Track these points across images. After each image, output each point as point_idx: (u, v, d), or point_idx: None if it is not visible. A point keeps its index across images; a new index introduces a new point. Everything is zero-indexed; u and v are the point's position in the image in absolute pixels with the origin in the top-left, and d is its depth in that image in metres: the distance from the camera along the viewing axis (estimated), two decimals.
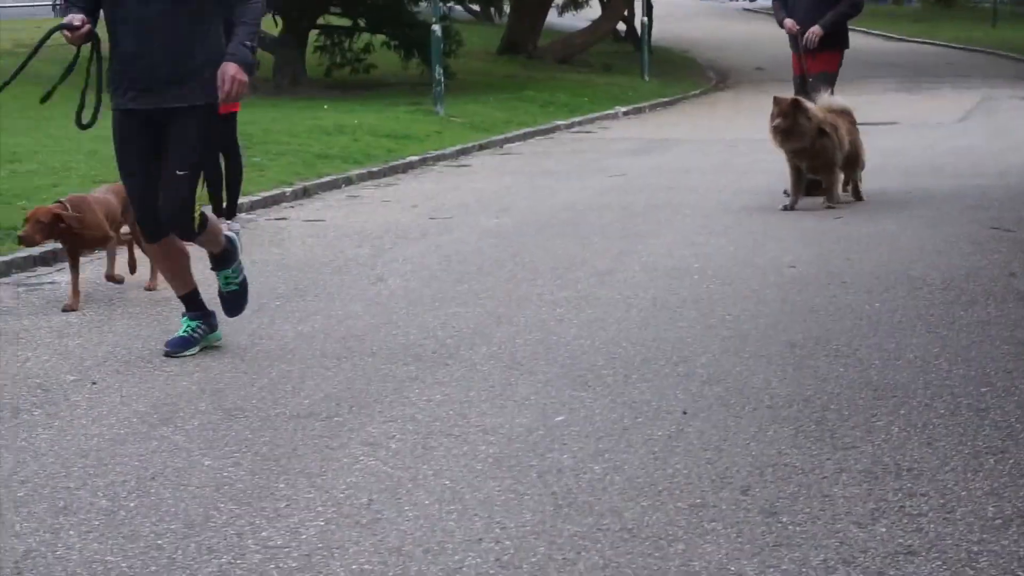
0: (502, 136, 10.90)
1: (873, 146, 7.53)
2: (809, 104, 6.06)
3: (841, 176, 6.36)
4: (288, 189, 7.50)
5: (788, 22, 6.48)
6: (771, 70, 18.22)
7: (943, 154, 9.16)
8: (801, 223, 6.31)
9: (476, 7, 20.09)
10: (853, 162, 6.57)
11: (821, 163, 6.13)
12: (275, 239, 6.04)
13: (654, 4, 19.85)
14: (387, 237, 6.11)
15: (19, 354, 3.58)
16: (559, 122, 12.42)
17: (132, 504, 2.13)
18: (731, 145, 10.26)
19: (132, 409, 2.94)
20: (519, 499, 2.15)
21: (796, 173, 6.21)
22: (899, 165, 8.53)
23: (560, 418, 2.86)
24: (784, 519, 2.00)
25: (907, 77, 17.24)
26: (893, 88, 15.55)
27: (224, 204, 5.52)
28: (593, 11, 24.13)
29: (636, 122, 13.60)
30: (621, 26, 23.29)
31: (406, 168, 9.01)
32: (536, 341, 3.80)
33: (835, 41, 6.60)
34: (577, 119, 12.82)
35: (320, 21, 14.47)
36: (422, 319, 4.14)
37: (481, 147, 10.32)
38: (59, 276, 4.86)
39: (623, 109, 13.97)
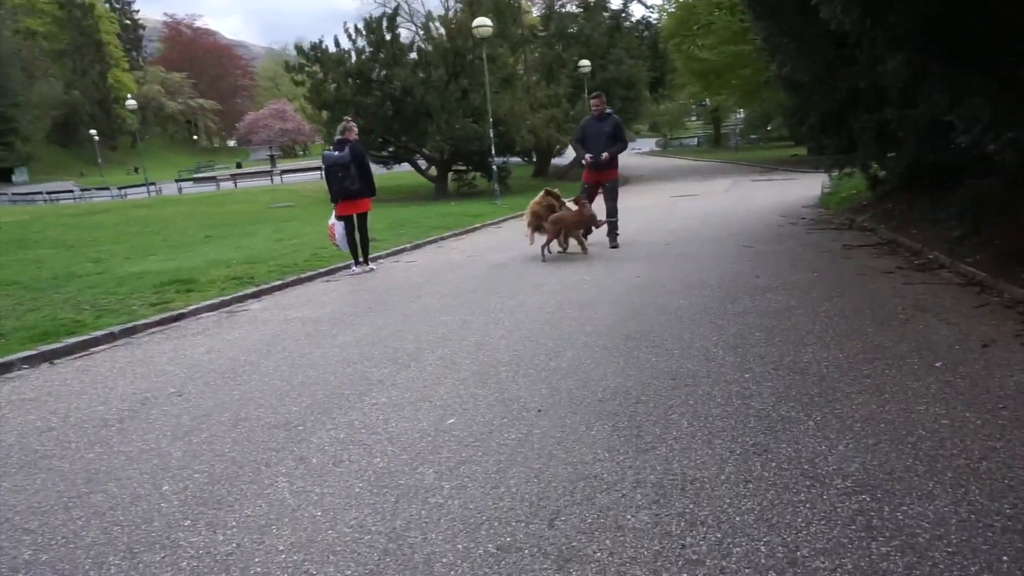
0: (522, 212, 16.01)
1: (685, 205, 15.91)
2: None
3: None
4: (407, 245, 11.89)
5: (588, 156, 9.26)
6: (647, 174, 30.93)
7: (718, 207, 14.80)
8: (644, 249, 9.15)
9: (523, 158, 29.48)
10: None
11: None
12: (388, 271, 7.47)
13: None
14: (440, 268, 9.17)
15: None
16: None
17: None
18: (624, 209, 13.82)
19: None
20: (356, 544, 2.57)
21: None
22: (698, 213, 13.66)
23: (451, 420, 3.68)
24: (574, 571, 2.32)
25: (699, 175, 28.12)
26: (693, 180, 25.53)
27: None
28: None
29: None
30: None
31: (473, 230, 14.10)
32: (474, 343, 5.21)
33: (615, 163, 9.50)
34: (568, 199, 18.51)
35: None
36: (420, 328, 5.85)
37: (513, 217, 15.77)
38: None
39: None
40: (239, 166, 59.93)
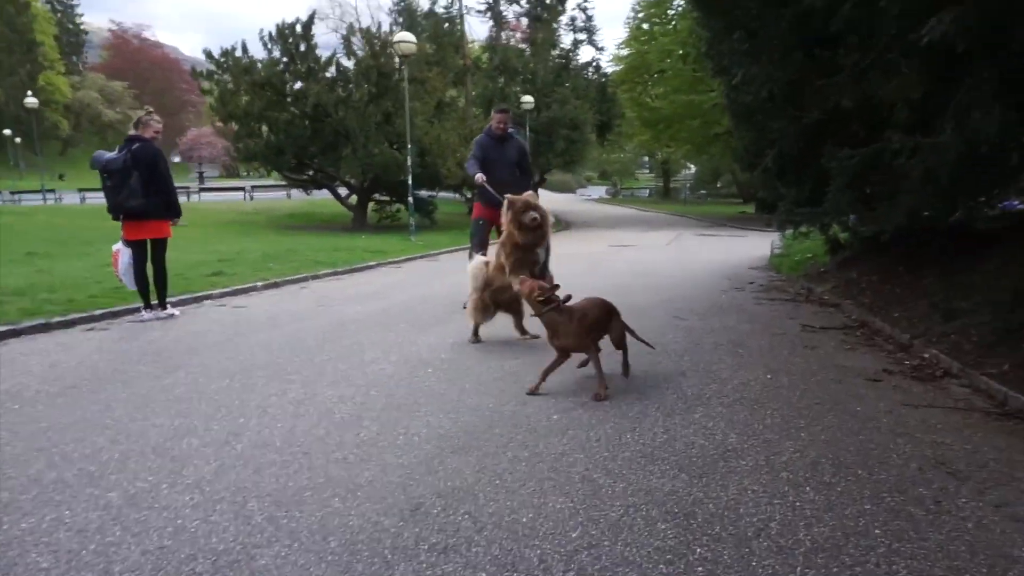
0: (438, 251, 15.11)
1: (621, 257, 14.16)
2: None
3: None
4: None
5: (479, 176, 6.58)
6: (591, 221, 29.79)
7: (656, 262, 13.20)
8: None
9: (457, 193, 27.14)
10: None
11: None
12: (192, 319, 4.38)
13: (552, 196, 25.56)
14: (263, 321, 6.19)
15: None
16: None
17: None
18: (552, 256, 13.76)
19: None
20: None
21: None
22: (632, 269, 11.72)
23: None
24: None
25: (644, 226, 27.25)
26: (637, 230, 24.71)
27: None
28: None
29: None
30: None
31: (363, 269, 11.69)
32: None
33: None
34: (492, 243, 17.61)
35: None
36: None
37: (423, 257, 14.10)
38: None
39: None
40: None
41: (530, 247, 5.47)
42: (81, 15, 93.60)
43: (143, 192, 6.29)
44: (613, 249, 16.50)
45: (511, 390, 4.12)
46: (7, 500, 2.66)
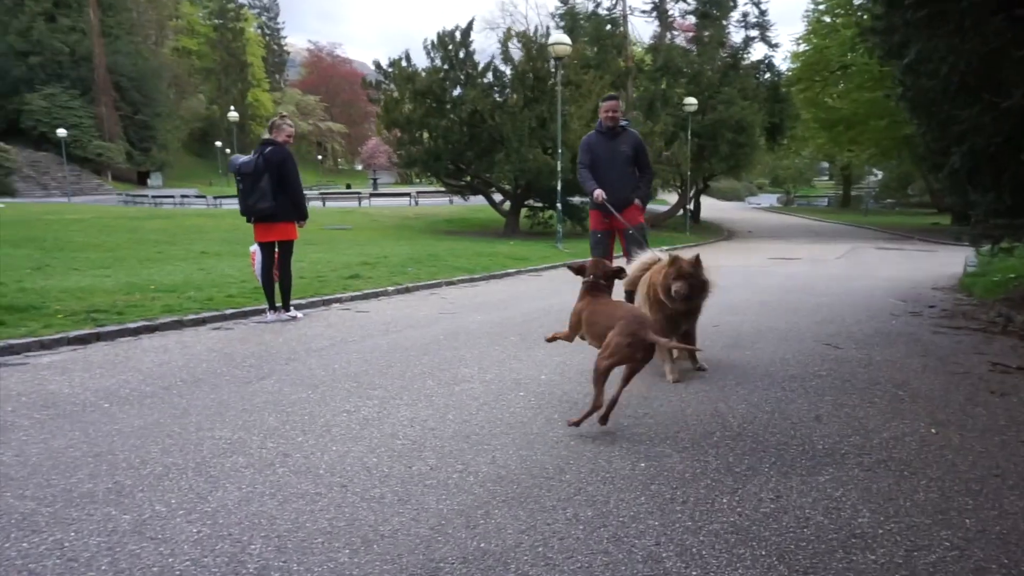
0: (584, 260, 15.33)
1: (779, 271, 12.70)
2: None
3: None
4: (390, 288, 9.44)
5: (598, 192, 6.04)
6: (756, 232, 29.33)
7: (819, 278, 11.74)
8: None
9: None
10: None
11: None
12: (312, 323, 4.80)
13: (716, 204, 25.90)
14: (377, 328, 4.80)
15: None
16: (617, 254, 16.40)
17: None
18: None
19: None
20: None
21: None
22: (788, 284, 10.60)
23: None
24: None
25: (814, 237, 26.31)
26: (806, 242, 23.99)
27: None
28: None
29: (667, 255, 18.42)
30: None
31: (502, 276, 11.62)
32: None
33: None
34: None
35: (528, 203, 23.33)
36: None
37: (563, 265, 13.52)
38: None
39: (665, 248, 19.46)
40: (348, 186, 60.47)
41: (676, 315, 4.67)
42: (285, 37, 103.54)
43: (273, 195, 6.42)
44: (772, 262, 15.13)
45: (602, 425, 3.57)
46: (28, 512, 2.56)
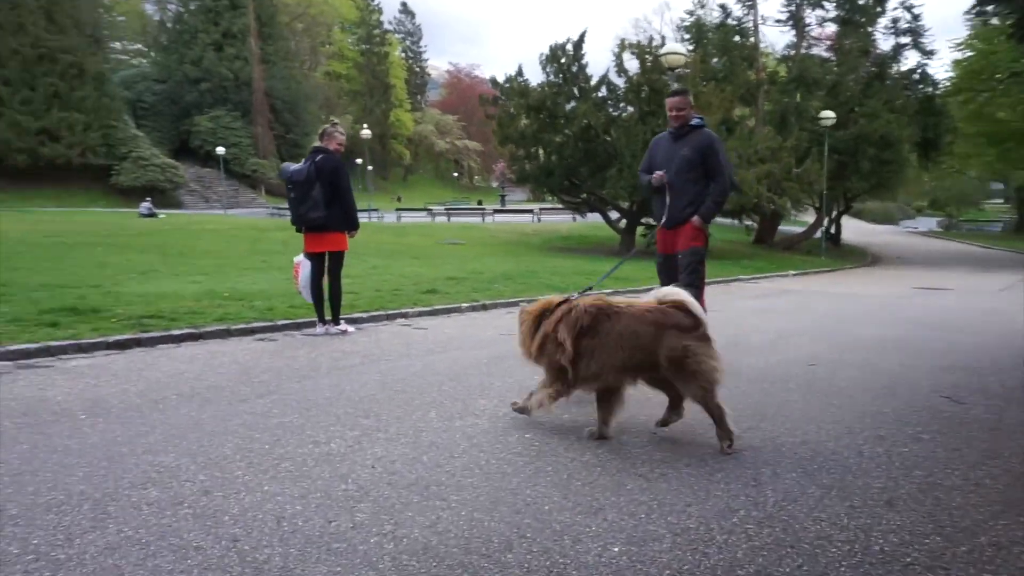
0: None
1: (918, 303, 11.17)
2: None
3: None
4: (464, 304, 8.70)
5: (658, 174, 5.25)
6: (907, 259, 26.52)
7: (966, 313, 9.97)
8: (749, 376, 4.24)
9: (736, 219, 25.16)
10: None
11: None
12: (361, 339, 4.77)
13: (865, 227, 25.12)
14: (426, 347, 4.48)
15: None
16: (742, 276, 15.87)
17: None
18: (834, 295, 12.38)
19: None
20: None
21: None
22: (926, 319, 8.95)
23: None
24: None
25: (975, 266, 23.50)
26: (962, 271, 21.05)
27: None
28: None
29: (797, 279, 16.70)
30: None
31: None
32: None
33: (701, 219, 5.27)
34: (758, 276, 16.43)
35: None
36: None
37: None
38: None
39: (793, 272, 18.07)
40: (479, 203, 61.69)
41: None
42: (426, 60, 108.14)
43: (325, 204, 6.20)
44: (914, 292, 13.35)
45: (588, 490, 2.88)
46: None
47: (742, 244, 26.34)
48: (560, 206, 28.59)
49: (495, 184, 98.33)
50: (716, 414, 3.39)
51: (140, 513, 2.54)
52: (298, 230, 6.50)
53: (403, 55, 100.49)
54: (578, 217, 30.38)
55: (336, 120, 6.81)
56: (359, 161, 70.27)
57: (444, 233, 26.39)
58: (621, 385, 3.59)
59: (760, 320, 8.52)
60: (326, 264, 6.47)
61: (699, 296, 5.25)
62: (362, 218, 29.95)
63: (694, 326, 3.40)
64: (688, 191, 5.21)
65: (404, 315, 7.81)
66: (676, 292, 3.52)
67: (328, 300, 6.52)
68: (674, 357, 3.35)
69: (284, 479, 2.91)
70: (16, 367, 4.72)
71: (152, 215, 32.71)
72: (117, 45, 79.42)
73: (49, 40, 48.78)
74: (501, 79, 21.18)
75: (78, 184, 49.98)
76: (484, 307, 8.81)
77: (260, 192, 63.44)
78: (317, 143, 6.51)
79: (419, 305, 8.30)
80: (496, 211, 39.26)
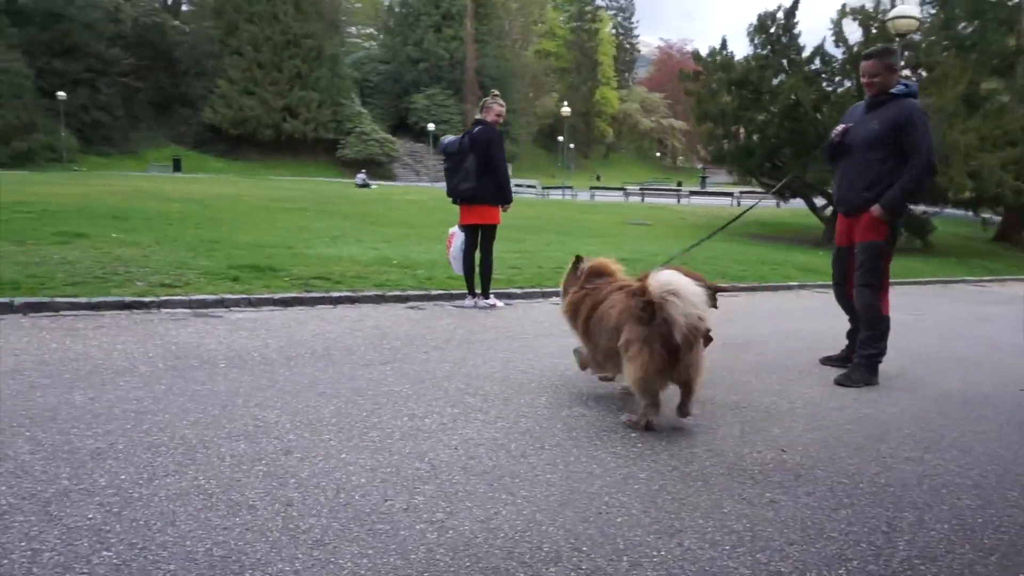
0: (908, 280, 12.37)
1: None
2: None
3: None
4: None
5: (837, 129, 4.59)
6: None
7: None
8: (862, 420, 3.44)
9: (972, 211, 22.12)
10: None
11: None
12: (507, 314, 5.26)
13: None
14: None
15: None
16: (967, 278, 13.85)
17: None
18: None
19: None
20: None
21: None
22: None
23: None
24: None
25: None
26: None
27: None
28: None
29: None
30: None
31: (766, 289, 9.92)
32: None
33: (892, 206, 4.41)
34: (986, 279, 14.23)
35: None
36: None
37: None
38: None
39: None
40: (679, 184, 59.75)
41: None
42: (637, 36, 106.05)
43: (476, 176, 6.20)
44: None
45: (675, 507, 2.53)
46: None
47: (976, 241, 22.78)
48: (761, 190, 26.68)
49: (699, 166, 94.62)
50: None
51: (221, 464, 2.64)
52: (454, 202, 6.57)
53: (613, 31, 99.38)
54: (781, 203, 28.18)
55: (496, 92, 6.75)
56: (560, 139, 71.15)
57: (634, 213, 25.81)
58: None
59: (970, 330, 7.24)
60: (479, 237, 6.49)
61: (877, 300, 4.51)
62: (554, 195, 30.27)
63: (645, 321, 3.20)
64: (869, 171, 4.45)
65: (559, 294, 7.64)
66: (669, 283, 3.09)
67: (479, 273, 6.55)
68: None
69: (364, 449, 2.89)
70: (192, 315, 5.25)
71: (366, 186, 35.60)
72: (352, 30, 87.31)
73: (295, 26, 54.65)
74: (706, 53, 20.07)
75: (310, 156, 55.88)
76: None
77: None
78: (477, 115, 6.50)
79: None
80: (692, 193, 37.70)
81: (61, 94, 42.49)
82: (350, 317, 5.65)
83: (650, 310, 3.16)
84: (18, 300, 4.89)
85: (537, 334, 5.47)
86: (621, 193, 38.02)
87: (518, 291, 7.35)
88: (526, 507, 2.45)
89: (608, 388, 4.02)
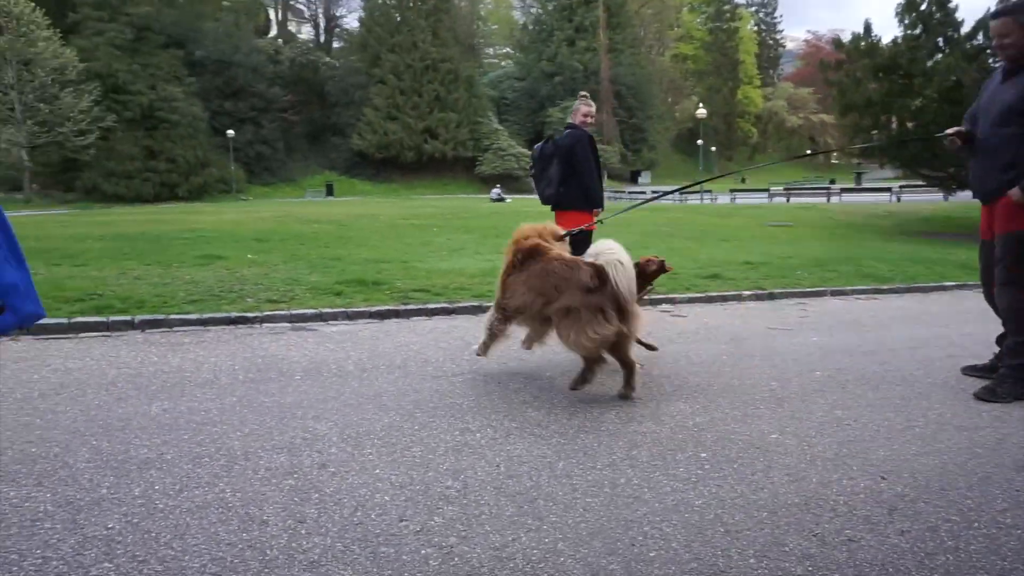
0: None
1: None
2: None
3: None
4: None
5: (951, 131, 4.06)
6: None
7: None
8: None
9: None
10: None
11: None
12: None
13: None
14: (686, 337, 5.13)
15: None
16: None
17: None
18: None
19: None
20: None
21: None
22: None
23: None
24: None
25: None
26: None
27: None
28: None
29: None
30: None
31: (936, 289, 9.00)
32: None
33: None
34: None
35: None
36: None
37: None
38: None
39: None
40: (832, 182, 55.79)
41: None
42: (781, 31, 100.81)
43: (559, 181, 5.99)
44: None
45: (726, 542, 2.18)
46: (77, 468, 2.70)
47: None
48: (922, 183, 24.20)
49: (855, 162, 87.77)
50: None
51: (254, 476, 2.63)
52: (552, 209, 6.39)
53: (755, 28, 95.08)
54: (947, 196, 25.45)
55: (585, 93, 6.48)
56: (700, 142, 68.86)
57: (776, 215, 24.29)
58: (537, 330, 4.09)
59: None
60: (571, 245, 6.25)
61: (1022, 300, 3.81)
62: (693, 200, 29.14)
63: (595, 288, 3.51)
64: (1006, 150, 3.76)
65: (671, 300, 7.24)
66: (607, 252, 3.54)
67: None
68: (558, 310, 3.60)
69: (401, 464, 2.78)
70: (291, 328, 5.45)
71: (501, 199, 36.25)
72: (490, 51, 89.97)
73: (433, 52, 57.08)
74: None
75: (450, 174, 57.96)
76: (771, 296, 7.75)
77: (604, 176, 66.26)
78: (569, 119, 6.29)
79: (692, 291, 7.63)
80: (844, 190, 34.96)
81: (230, 132, 46.99)
82: (440, 329, 5.62)
83: (598, 277, 3.50)
84: (138, 318, 5.30)
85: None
86: (765, 195, 36.02)
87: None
88: (550, 534, 2.22)
89: (682, 404, 3.65)
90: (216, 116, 49.34)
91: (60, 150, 39.66)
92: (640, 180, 70.31)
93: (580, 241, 6.18)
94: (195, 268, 8.34)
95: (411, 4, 58.22)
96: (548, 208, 6.39)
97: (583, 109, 6.07)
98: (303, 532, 2.21)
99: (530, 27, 72.87)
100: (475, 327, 5.68)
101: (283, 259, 9.48)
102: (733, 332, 5.70)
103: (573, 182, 5.98)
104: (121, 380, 3.92)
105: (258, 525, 2.25)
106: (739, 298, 7.58)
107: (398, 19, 58.03)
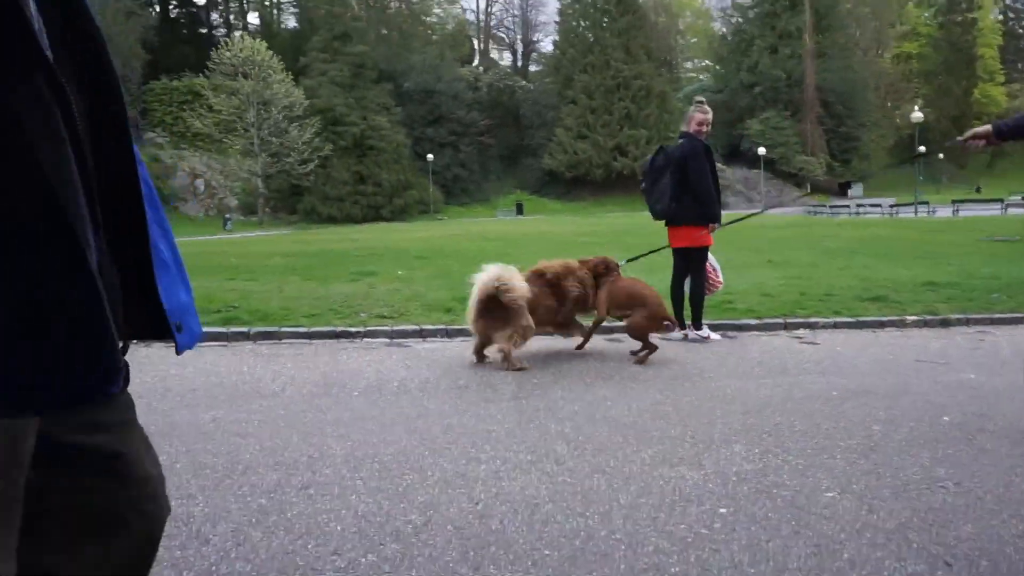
0: None
1: None
2: None
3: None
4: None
5: None
6: None
7: None
8: None
9: None
10: None
11: None
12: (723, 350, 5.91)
13: None
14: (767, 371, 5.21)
15: None
16: None
17: None
18: None
19: None
20: None
21: None
22: None
23: None
24: None
25: None
26: None
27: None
28: None
29: None
30: None
31: None
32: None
33: None
34: None
35: None
36: None
37: None
38: None
39: None
40: None
41: None
42: None
43: (672, 194, 5.53)
44: None
45: None
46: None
47: None
48: None
49: None
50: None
51: (236, 493, 2.65)
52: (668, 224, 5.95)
53: (1000, 17, 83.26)
54: None
55: (701, 99, 5.92)
56: (921, 149, 61.43)
57: (1009, 229, 20.85)
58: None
59: None
60: (688, 262, 5.76)
61: None
62: (905, 213, 26.13)
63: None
64: None
65: (810, 325, 6.40)
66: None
67: (689, 301, 5.80)
68: None
69: (381, 492, 2.65)
70: (387, 344, 5.57)
71: None
72: (688, 65, 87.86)
73: (625, 70, 56.94)
74: None
75: (638, 191, 57.26)
76: (943, 323, 6.56)
77: (806, 189, 61.58)
78: (683, 127, 5.82)
79: (842, 314, 6.68)
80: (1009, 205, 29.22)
81: (430, 156, 50.37)
82: (529, 348, 5.42)
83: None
84: (254, 329, 5.72)
85: (729, 373, 4.59)
86: (999, 206, 31.18)
87: (753, 322, 6.33)
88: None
89: (738, 446, 3.13)
90: (418, 142, 53.19)
91: (287, 177, 45.09)
92: (851, 192, 64.32)
93: (699, 256, 5.71)
94: (346, 283, 8.91)
95: (604, 23, 58.62)
96: (662, 223, 5.96)
97: (697, 116, 5.59)
98: (232, 556, 2.16)
99: (729, 38, 70.07)
100: (569, 346, 5.43)
101: (429, 275, 9.82)
102: (867, 364, 4.87)
103: (687, 196, 5.51)
104: (201, 389, 4.21)
105: (199, 543, 2.24)
106: (901, 324, 6.51)
107: (591, 39, 58.70)
